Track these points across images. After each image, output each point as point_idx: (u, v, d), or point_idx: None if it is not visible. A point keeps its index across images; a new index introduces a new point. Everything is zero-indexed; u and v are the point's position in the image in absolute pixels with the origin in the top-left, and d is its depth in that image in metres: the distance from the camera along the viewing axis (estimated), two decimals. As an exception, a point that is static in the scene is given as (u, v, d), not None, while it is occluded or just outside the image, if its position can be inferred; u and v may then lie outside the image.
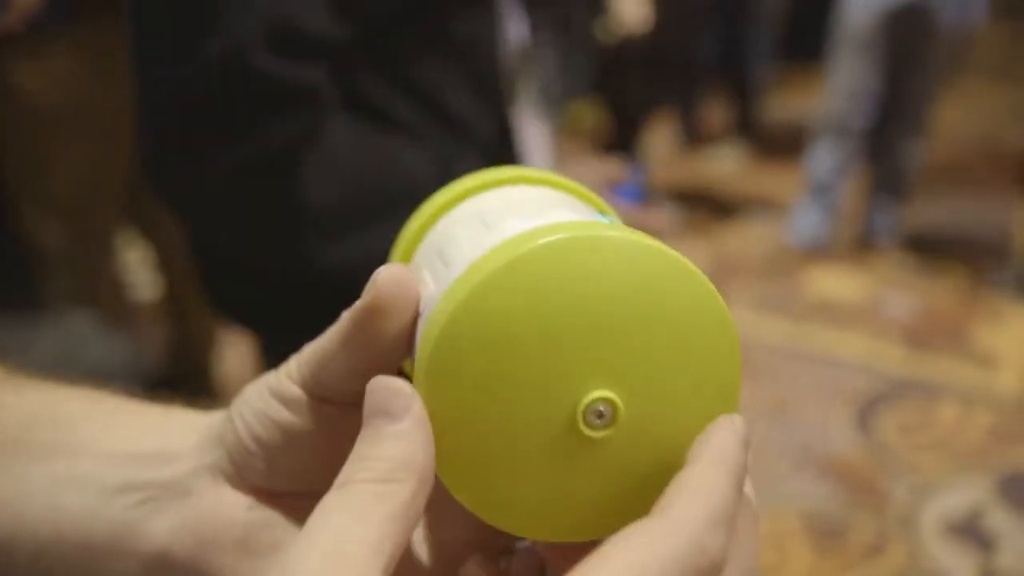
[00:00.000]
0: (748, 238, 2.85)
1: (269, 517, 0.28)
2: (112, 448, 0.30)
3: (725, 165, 3.39)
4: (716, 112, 3.58)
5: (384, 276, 0.25)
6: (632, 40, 2.65)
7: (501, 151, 0.75)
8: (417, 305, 0.26)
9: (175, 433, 0.30)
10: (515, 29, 0.79)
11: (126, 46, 0.63)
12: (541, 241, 0.23)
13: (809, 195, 2.73)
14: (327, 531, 0.21)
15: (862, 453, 1.83)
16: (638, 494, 0.24)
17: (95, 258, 1.64)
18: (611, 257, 0.23)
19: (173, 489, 0.29)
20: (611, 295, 0.23)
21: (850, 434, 1.89)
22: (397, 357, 0.26)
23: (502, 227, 0.25)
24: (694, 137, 3.54)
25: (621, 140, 2.95)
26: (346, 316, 0.26)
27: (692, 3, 3.15)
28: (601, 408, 0.23)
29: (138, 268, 1.83)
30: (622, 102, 2.97)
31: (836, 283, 2.56)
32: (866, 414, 1.95)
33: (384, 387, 0.24)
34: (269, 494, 0.29)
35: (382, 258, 0.30)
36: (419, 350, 0.24)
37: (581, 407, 0.23)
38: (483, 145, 0.73)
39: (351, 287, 0.30)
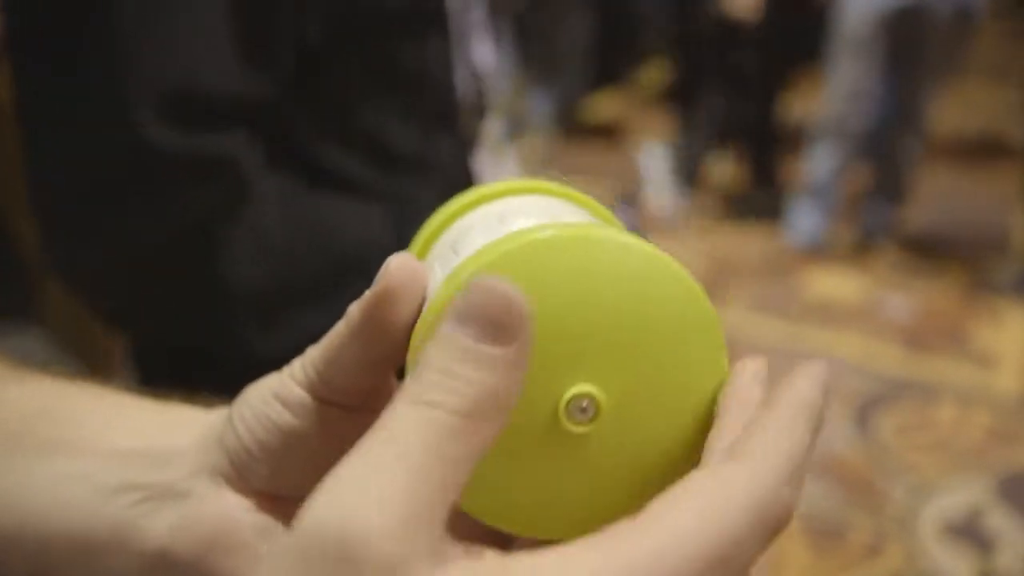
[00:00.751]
0: (746, 239, 2.84)
1: (271, 521, 0.28)
2: (113, 446, 0.29)
3: (715, 172, 3.39)
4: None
5: (395, 263, 0.24)
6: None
7: (462, 182, 0.69)
8: (425, 293, 0.25)
9: (175, 432, 0.30)
10: (481, 52, 0.74)
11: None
12: (534, 236, 0.23)
13: (808, 196, 2.73)
14: (397, 463, 0.18)
15: (860, 453, 1.83)
16: (624, 492, 0.24)
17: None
18: (599, 255, 0.23)
19: (173, 489, 0.28)
20: (597, 291, 0.23)
21: (848, 434, 1.88)
22: (407, 349, 0.25)
23: (512, 224, 0.26)
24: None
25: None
26: (354, 307, 0.25)
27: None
28: (584, 403, 0.23)
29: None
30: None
31: (834, 284, 2.56)
32: (864, 414, 1.95)
33: (499, 292, 0.19)
34: (271, 498, 0.28)
35: None
36: (414, 333, 0.24)
37: (563, 401, 0.23)
38: (443, 179, 0.66)
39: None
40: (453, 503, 0.19)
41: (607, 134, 3.78)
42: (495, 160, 0.78)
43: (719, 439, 0.22)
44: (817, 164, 2.68)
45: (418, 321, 0.25)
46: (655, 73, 4.20)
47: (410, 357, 0.24)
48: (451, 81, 0.67)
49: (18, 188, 1.57)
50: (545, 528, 0.25)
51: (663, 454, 0.24)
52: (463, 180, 0.69)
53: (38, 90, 0.53)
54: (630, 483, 0.24)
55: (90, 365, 1.30)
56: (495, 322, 0.19)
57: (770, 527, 0.20)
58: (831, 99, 2.62)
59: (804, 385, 0.23)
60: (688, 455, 0.25)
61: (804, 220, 2.74)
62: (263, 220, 0.55)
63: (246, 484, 0.28)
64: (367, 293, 0.25)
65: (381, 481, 0.18)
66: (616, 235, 0.23)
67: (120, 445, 0.30)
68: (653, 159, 3.20)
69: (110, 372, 1.60)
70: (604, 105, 4.02)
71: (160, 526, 0.28)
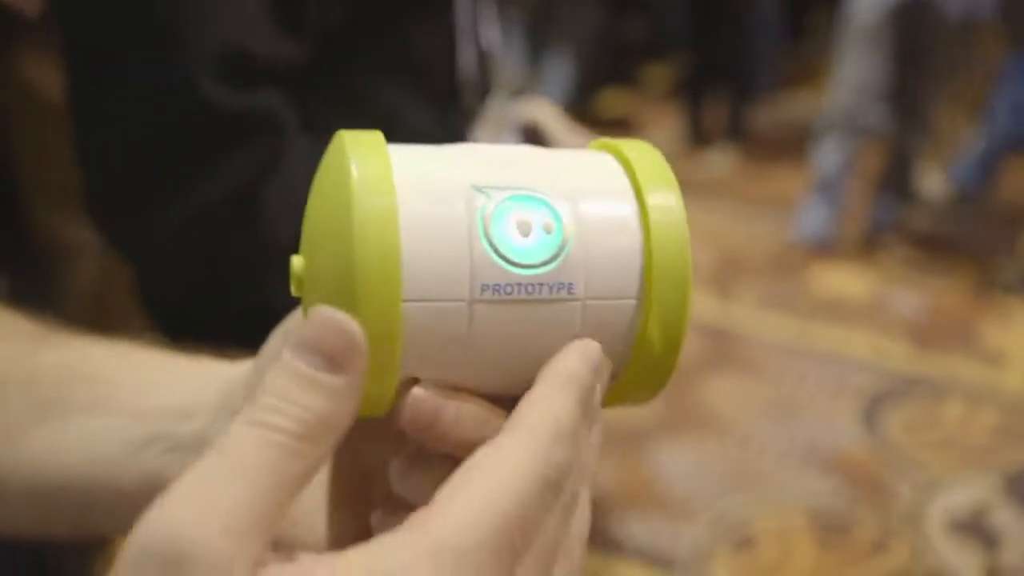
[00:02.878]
0: (753, 236, 2.84)
1: None
2: (142, 404, 0.32)
3: (715, 168, 3.38)
4: (718, 113, 3.57)
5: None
6: None
7: None
8: None
9: (201, 386, 0.32)
10: (485, 35, 0.77)
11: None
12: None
13: (815, 192, 2.73)
14: (229, 478, 0.20)
15: (868, 450, 1.83)
16: None
17: (107, 250, 1.65)
18: (333, 159, 0.26)
19: (196, 438, 0.30)
20: (317, 184, 0.27)
21: (856, 431, 1.89)
22: None
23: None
24: (698, 138, 3.54)
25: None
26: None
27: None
28: (297, 272, 0.27)
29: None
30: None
31: (842, 281, 2.56)
32: (872, 412, 1.95)
33: (333, 323, 0.21)
34: None
35: None
36: None
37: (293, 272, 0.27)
38: None
39: None
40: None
41: (617, 129, 3.79)
42: (497, 135, 0.82)
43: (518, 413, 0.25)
44: (824, 159, 2.67)
45: None
46: (665, 70, 4.20)
47: None
48: (456, 61, 0.72)
49: (42, 177, 1.58)
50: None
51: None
52: None
53: (94, 63, 0.56)
54: None
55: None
56: (330, 353, 0.21)
57: (550, 485, 0.22)
58: (838, 92, 2.62)
59: (572, 360, 0.25)
60: None
61: (811, 216, 2.73)
62: (295, 177, 0.57)
63: None
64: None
65: (211, 494, 0.19)
66: (351, 139, 0.26)
67: (148, 402, 0.32)
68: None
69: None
70: (614, 100, 4.02)
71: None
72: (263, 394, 0.21)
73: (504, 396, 0.26)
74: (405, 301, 0.24)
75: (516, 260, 0.24)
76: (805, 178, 3.00)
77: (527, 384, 0.26)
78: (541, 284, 0.24)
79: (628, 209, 0.26)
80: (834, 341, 2.24)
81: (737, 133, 3.50)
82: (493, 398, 0.26)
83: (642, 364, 0.27)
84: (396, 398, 0.25)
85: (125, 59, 0.55)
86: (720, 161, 3.40)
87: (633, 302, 0.26)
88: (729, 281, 2.53)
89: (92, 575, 1.48)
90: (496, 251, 0.24)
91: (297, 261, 0.27)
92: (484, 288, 0.24)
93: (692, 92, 3.54)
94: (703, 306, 2.39)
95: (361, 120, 0.65)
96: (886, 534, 1.61)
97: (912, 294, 2.48)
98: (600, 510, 1.64)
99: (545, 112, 0.84)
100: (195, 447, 0.30)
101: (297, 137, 0.59)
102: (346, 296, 0.23)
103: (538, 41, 3.71)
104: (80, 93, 0.57)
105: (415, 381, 0.25)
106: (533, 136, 0.82)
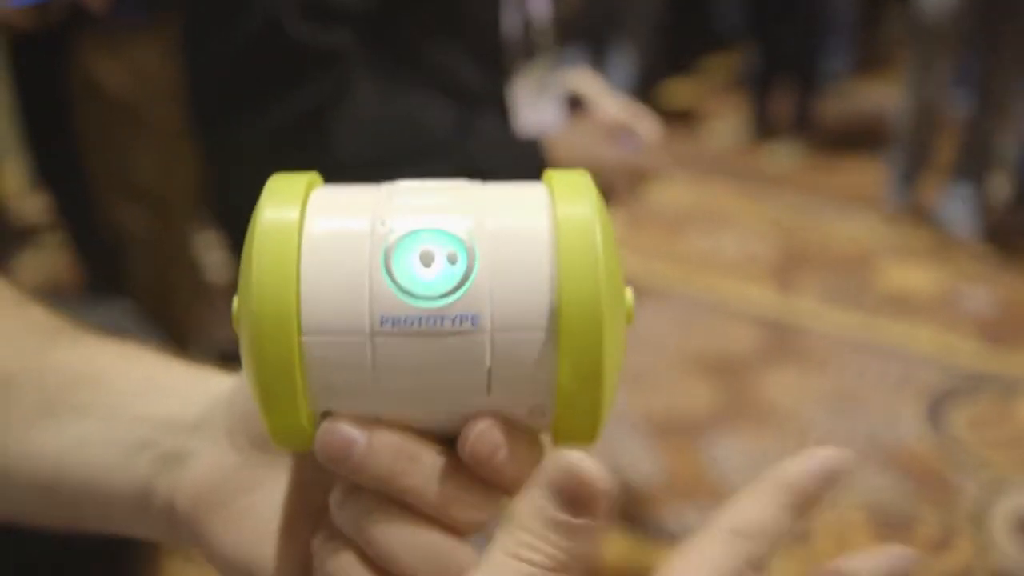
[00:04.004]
0: (818, 230, 2.79)
1: (259, 478, 0.30)
2: (137, 411, 0.32)
3: (781, 162, 3.32)
4: (784, 105, 3.51)
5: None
6: None
7: (505, 113, 0.82)
8: None
9: (196, 398, 0.32)
10: (536, 5, 0.84)
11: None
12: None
13: (897, 176, 2.72)
14: None
15: (931, 447, 1.79)
16: None
17: (175, 243, 1.71)
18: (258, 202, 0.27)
19: (182, 450, 0.31)
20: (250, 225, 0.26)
21: (919, 427, 1.85)
22: None
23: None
24: (763, 130, 3.48)
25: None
26: None
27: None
28: (234, 312, 0.27)
29: (212, 250, 1.90)
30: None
31: (911, 275, 2.50)
32: (937, 408, 1.91)
33: (575, 472, 0.24)
34: (267, 455, 0.30)
35: None
36: None
37: None
38: (494, 109, 0.79)
39: None
40: None
41: (679, 120, 3.75)
42: (537, 99, 0.87)
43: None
44: (899, 150, 2.63)
45: None
46: (729, 61, 4.14)
47: None
48: (500, 24, 0.79)
49: (107, 169, 1.64)
50: None
51: None
52: (506, 111, 0.82)
53: (201, 11, 0.69)
54: None
55: (170, 335, 1.37)
56: (577, 498, 0.24)
57: None
58: (913, 84, 2.56)
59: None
60: None
61: (896, 189, 2.75)
62: (359, 110, 0.68)
63: (244, 440, 0.30)
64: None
65: None
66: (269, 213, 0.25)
67: (142, 409, 0.32)
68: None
69: (187, 341, 1.68)
70: (677, 92, 3.98)
71: (168, 483, 0.31)
72: (519, 529, 0.24)
73: (432, 431, 0.26)
74: (305, 335, 0.24)
75: (416, 292, 0.24)
76: (875, 171, 2.94)
77: (450, 418, 0.26)
78: (443, 316, 0.24)
79: (537, 230, 0.25)
80: (899, 336, 2.19)
81: (804, 125, 3.43)
82: (425, 432, 0.26)
83: (567, 402, 0.25)
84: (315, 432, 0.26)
85: (229, 4, 0.66)
86: (785, 154, 3.34)
87: (542, 334, 0.24)
88: (791, 275, 2.50)
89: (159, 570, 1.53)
90: (396, 284, 0.24)
91: (235, 302, 0.26)
92: (383, 320, 0.24)
93: (757, 83, 3.48)
94: (763, 299, 2.36)
95: (413, 72, 0.73)
96: (949, 532, 1.57)
97: (983, 289, 2.41)
98: (654, 500, 1.64)
99: (588, 82, 0.86)
100: (180, 461, 0.31)
101: (362, 77, 0.69)
102: (250, 331, 0.24)
103: (601, 33, 3.70)
104: (188, 25, 0.69)
105: (330, 415, 0.26)
106: (576, 105, 0.84)
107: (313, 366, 0.24)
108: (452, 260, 0.24)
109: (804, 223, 2.83)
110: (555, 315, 0.24)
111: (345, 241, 0.25)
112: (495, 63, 0.80)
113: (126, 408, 0.33)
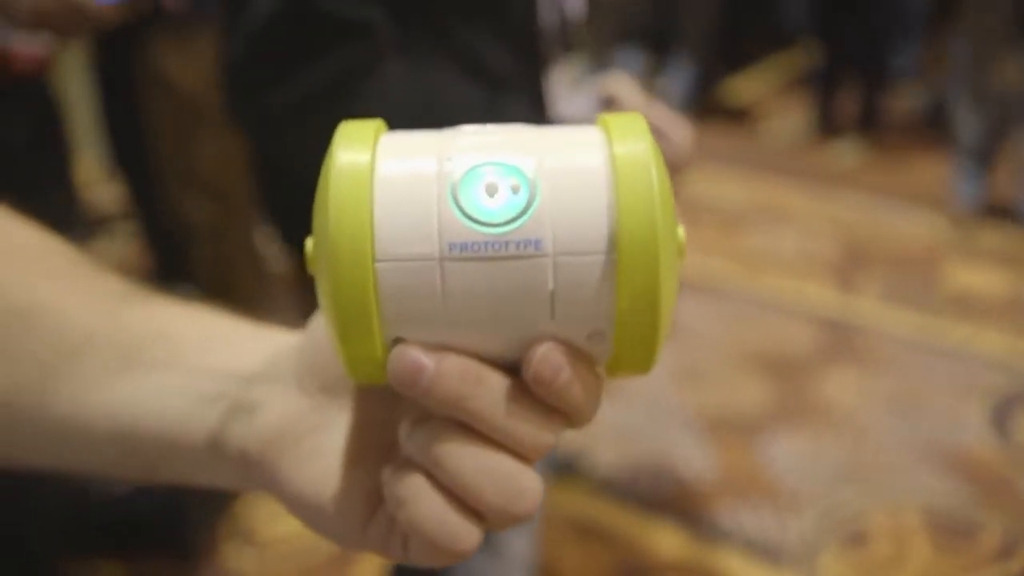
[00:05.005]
0: (881, 229, 2.74)
1: (326, 420, 0.32)
2: (211, 363, 0.34)
3: (844, 160, 3.26)
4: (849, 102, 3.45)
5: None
6: None
7: (540, 100, 0.83)
8: None
9: (258, 354, 0.34)
10: (571, 2, 0.85)
11: None
12: None
13: (963, 161, 2.67)
14: None
15: (996, 452, 1.74)
16: None
17: (237, 233, 1.75)
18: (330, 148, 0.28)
19: (251, 404, 0.33)
20: (321, 173, 0.28)
21: (984, 432, 1.80)
22: None
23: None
24: (826, 127, 3.42)
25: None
26: None
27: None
28: (309, 252, 0.28)
29: (272, 241, 1.94)
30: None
31: (978, 276, 2.44)
32: (1003, 412, 1.86)
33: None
34: (333, 398, 0.32)
35: None
36: None
37: None
38: (528, 95, 0.80)
39: None
40: None
41: (739, 119, 3.71)
42: (572, 94, 0.88)
43: None
44: (965, 129, 2.58)
45: None
46: (791, 59, 4.08)
47: None
48: (536, 11, 0.81)
49: (172, 161, 1.69)
50: None
51: None
52: (541, 98, 0.84)
53: None
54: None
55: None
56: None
57: None
58: (965, 59, 2.51)
59: None
60: None
61: (965, 186, 2.68)
62: (388, 84, 0.69)
63: (313, 385, 0.32)
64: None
65: None
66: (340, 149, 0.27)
67: (216, 362, 0.34)
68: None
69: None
70: (737, 90, 3.94)
71: (240, 432, 0.32)
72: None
73: (498, 359, 0.28)
74: (378, 261, 0.26)
75: (482, 219, 0.26)
76: (942, 170, 2.87)
77: (515, 346, 0.27)
78: (507, 241, 0.25)
79: (595, 164, 0.27)
80: (964, 338, 2.14)
81: (869, 122, 3.36)
82: (490, 361, 0.28)
83: (625, 326, 0.26)
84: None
85: None
86: (849, 152, 3.28)
87: (602, 258, 0.26)
88: (853, 274, 2.45)
89: (218, 525, 1.57)
90: (463, 211, 0.26)
91: (309, 243, 0.28)
92: (452, 247, 0.26)
93: (822, 79, 3.43)
94: (823, 298, 2.32)
95: (442, 51, 0.75)
96: (1013, 539, 1.53)
97: (1054, 292, 2.34)
98: (708, 497, 1.63)
99: (623, 85, 0.87)
100: (251, 410, 0.32)
101: (394, 53, 0.70)
102: (328, 262, 0.26)
103: (660, 34, 3.68)
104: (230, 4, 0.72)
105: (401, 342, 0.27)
106: (610, 106, 0.85)
107: (386, 291, 0.26)
108: (515, 190, 0.26)
109: (867, 221, 2.78)
110: (614, 241, 0.26)
111: (414, 175, 0.26)
112: (530, 51, 0.80)
113: (197, 362, 0.34)
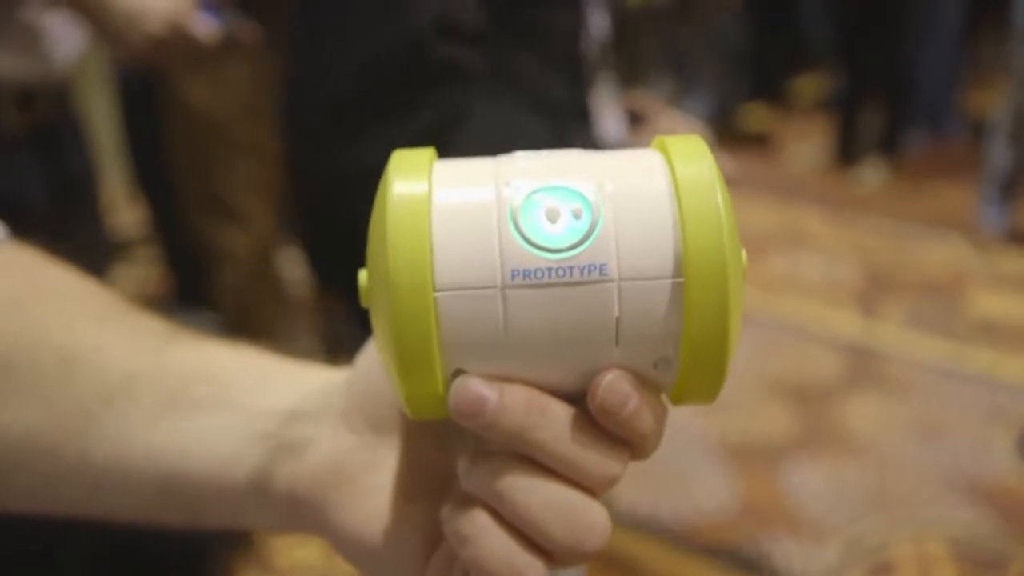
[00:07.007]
0: (904, 255, 2.72)
1: (377, 457, 0.31)
2: (257, 404, 0.34)
3: (867, 185, 3.24)
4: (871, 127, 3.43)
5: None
6: None
7: (585, 128, 0.85)
8: None
9: (307, 392, 0.34)
10: (596, 22, 0.87)
11: (286, 46, 0.72)
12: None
13: (992, 190, 2.65)
14: None
15: (1021, 481, 1.71)
16: None
17: (259, 258, 1.76)
18: (384, 176, 0.27)
19: (301, 439, 0.32)
20: (375, 203, 0.27)
21: (1009, 460, 1.77)
22: None
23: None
24: (849, 152, 3.40)
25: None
26: None
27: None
28: (363, 285, 0.28)
29: (295, 266, 1.95)
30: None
31: (1003, 302, 2.40)
32: (1029, 441, 1.82)
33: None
34: (381, 436, 0.32)
35: None
36: None
37: None
38: (582, 119, 0.82)
39: None
40: None
41: (760, 143, 3.70)
42: (603, 111, 0.91)
43: None
44: (998, 157, 2.56)
45: None
46: (813, 84, 4.08)
47: None
48: (581, 35, 0.83)
49: (196, 187, 1.70)
50: None
51: None
52: (589, 122, 0.85)
53: (329, 27, 0.72)
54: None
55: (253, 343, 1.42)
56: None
57: None
58: (1012, 90, 2.49)
59: None
60: None
61: (992, 211, 2.65)
62: (484, 120, 0.71)
63: (361, 423, 0.32)
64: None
65: None
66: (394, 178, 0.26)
67: (262, 402, 0.34)
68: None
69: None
70: (759, 114, 3.93)
71: (288, 471, 0.32)
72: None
73: (560, 390, 0.27)
74: (439, 290, 0.25)
75: (544, 245, 0.25)
76: (966, 196, 2.85)
77: (578, 375, 0.26)
78: (571, 267, 0.25)
79: (658, 186, 0.26)
80: (989, 365, 2.10)
81: (892, 147, 3.35)
82: (553, 393, 0.27)
83: (694, 352, 0.26)
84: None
85: (356, 12, 0.71)
86: (872, 177, 3.26)
87: (668, 283, 0.25)
88: (875, 300, 2.43)
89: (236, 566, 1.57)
90: (525, 238, 0.25)
91: (363, 275, 0.27)
92: (515, 274, 0.25)
93: (845, 104, 3.42)
94: (846, 324, 2.30)
95: (514, 89, 0.76)
96: (1041, 571, 1.50)
97: (1081, 318, 2.30)
98: (729, 527, 1.61)
99: (648, 102, 0.88)
100: (300, 449, 0.32)
101: (482, 95, 0.72)
102: (386, 293, 0.25)
103: (682, 57, 3.69)
104: (310, 39, 0.73)
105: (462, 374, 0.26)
106: (636, 121, 0.86)
107: (447, 322, 0.25)
108: (577, 215, 0.25)
109: (890, 247, 2.76)
110: (680, 265, 0.25)
111: (473, 202, 0.26)
112: (577, 75, 0.82)
113: (243, 401, 0.34)
